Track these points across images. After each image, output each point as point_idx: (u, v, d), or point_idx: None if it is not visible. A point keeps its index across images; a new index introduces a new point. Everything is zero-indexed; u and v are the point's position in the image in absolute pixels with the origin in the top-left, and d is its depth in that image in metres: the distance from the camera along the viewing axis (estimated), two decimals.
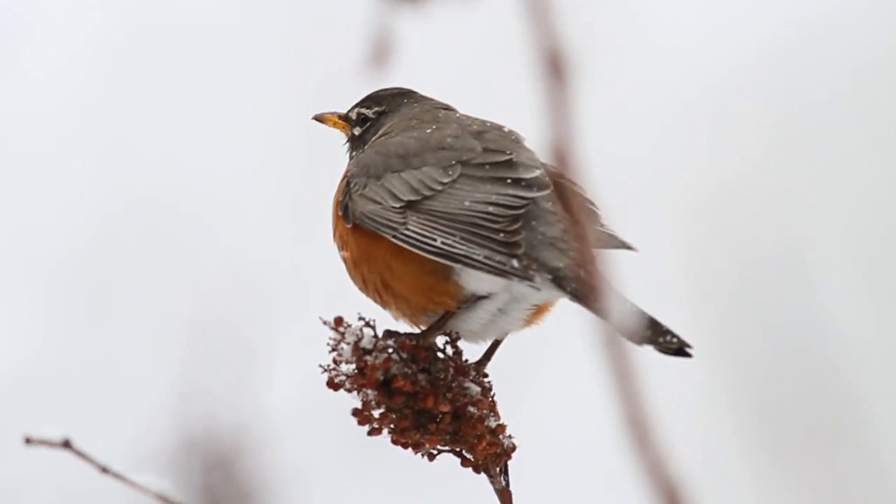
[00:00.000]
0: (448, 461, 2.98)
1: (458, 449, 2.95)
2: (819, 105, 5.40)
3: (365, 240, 3.01)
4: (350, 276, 3.08)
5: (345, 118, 3.39)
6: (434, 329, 2.97)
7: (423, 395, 2.89)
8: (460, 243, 2.87)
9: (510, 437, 2.97)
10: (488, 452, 2.94)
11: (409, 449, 2.94)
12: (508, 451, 2.97)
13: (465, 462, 2.97)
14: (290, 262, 4.94)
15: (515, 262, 2.84)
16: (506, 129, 3.12)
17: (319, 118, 3.40)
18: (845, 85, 5.43)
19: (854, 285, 4.90)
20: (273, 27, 5.50)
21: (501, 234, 2.87)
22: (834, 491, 4.24)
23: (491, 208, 2.90)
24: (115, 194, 5.37)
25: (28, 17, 5.51)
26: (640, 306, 2.78)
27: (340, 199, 3.10)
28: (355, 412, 2.90)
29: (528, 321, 3.04)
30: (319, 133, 3.44)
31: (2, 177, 5.45)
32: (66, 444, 2.45)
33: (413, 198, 2.97)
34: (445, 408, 2.90)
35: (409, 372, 2.90)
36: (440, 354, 2.97)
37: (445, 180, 2.97)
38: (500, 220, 2.89)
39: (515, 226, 2.88)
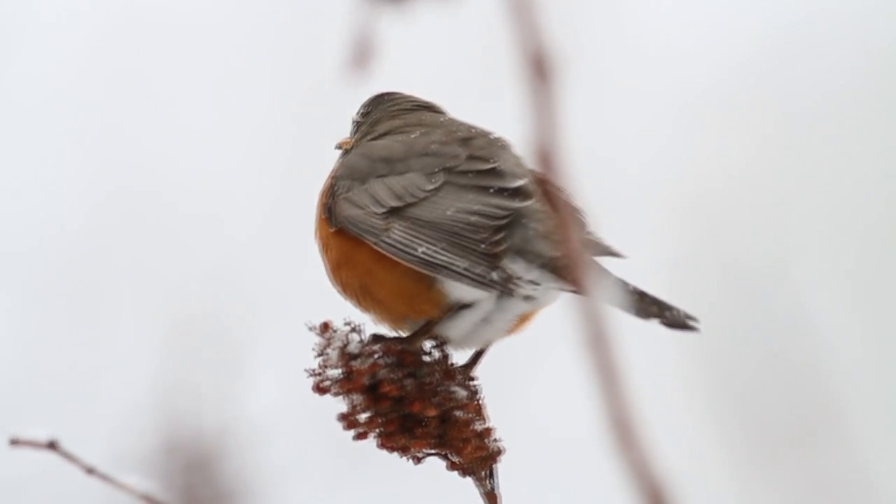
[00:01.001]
0: (434, 466, 2.97)
1: (444, 452, 2.95)
2: (810, 108, 5.41)
3: (347, 244, 3.00)
4: (329, 278, 3.07)
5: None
6: (420, 334, 2.96)
7: (409, 400, 2.89)
8: (442, 253, 2.86)
9: (497, 440, 2.96)
10: (475, 456, 2.93)
11: (396, 453, 2.94)
12: (495, 455, 2.96)
13: (451, 466, 2.96)
14: (276, 264, 4.94)
15: (495, 275, 2.83)
16: (493, 136, 3.10)
17: (340, 146, 3.36)
18: (837, 88, 5.44)
19: (840, 290, 4.91)
20: (261, 28, 5.50)
21: (483, 245, 2.85)
22: (815, 492, 4.25)
23: (473, 218, 2.89)
24: (100, 193, 5.36)
25: (19, 17, 5.50)
26: (639, 286, 2.79)
27: (325, 201, 3.09)
28: (342, 417, 2.90)
29: (511, 330, 3.03)
30: (307, 133, 3.44)
31: None
32: (52, 446, 2.44)
33: (396, 204, 2.96)
34: (432, 412, 2.89)
35: (396, 377, 2.90)
36: (427, 358, 2.96)
37: (429, 187, 2.96)
38: (483, 230, 2.87)
39: (498, 237, 2.87)
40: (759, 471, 4.37)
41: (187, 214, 5.33)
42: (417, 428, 2.90)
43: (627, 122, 5.30)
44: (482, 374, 3.03)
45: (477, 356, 3.05)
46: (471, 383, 2.99)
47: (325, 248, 3.07)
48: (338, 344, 2.89)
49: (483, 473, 2.98)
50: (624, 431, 1.52)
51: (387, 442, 2.91)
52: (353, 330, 2.92)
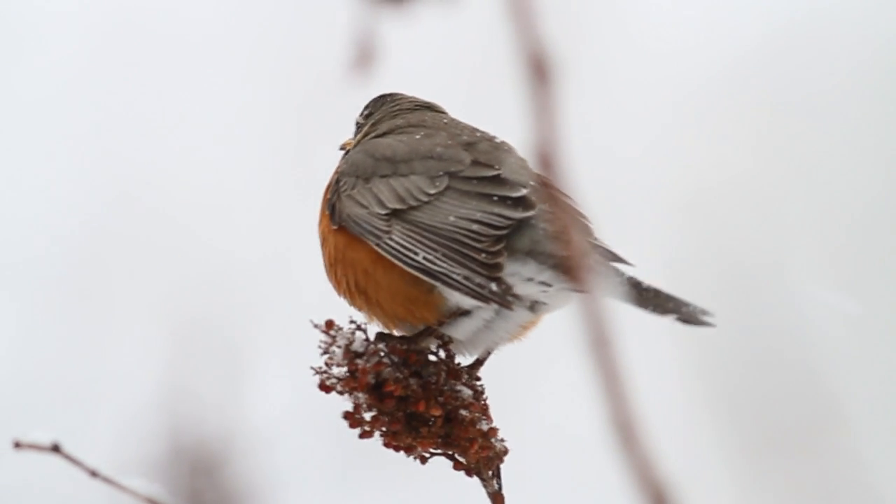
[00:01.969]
0: (439, 467, 2.97)
1: (450, 452, 2.94)
2: (810, 103, 5.40)
3: (345, 241, 2.99)
4: (325, 272, 3.06)
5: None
6: (424, 334, 2.95)
7: (414, 399, 2.88)
8: (441, 260, 2.84)
9: (502, 440, 2.96)
10: (481, 456, 2.93)
11: (401, 452, 2.93)
12: (501, 455, 2.96)
13: (457, 465, 2.95)
14: (280, 264, 4.93)
15: (494, 286, 2.81)
16: (496, 140, 3.09)
17: (344, 147, 3.35)
18: (837, 83, 5.43)
19: (838, 288, 4.90)
20: (263, 30, 5.50)
21: (483, 255, 2.83)
22: (815, 492, 4.24)
23: (475, 226, 2.87)
24: (102, 195, 5.36)
25: (20, 20, 5.51)
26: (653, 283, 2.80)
27: (329, 196, 3.08)
28: (346, 415, 2.89)
29: (516, 336, 3.02)
30: (308, 135, 3.44)
31: None
32: (56, 449, 2.45)
33: (399, 206, 2.94)
34: (437, 412, 2.89)
35: (401, 376, 2.89)
36: (432, 357, 2.96)
37: (432, 191, 2.94)
38: (483, 239, 2.85)
39: (498, 247, 2.85)
40: (760, 472, 4.37)
41: (190, 218, 5.33)
42: (423, 427, 2.89)
43: (626, 119, 5.29)
44: (487, 375, 3.02)
45: (482, 356, 3.04)
46: (476, 383, 2.98)
47: (324, 242, 3.06)
48: (342, 342, 2.89)
49: (489, 473, 2.97)
50: (627, 432, 1.52)
51: (392, 441, 2.90)
52: (358, 329, 2.92)
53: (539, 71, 1.60)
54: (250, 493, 3.84)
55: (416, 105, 3.31)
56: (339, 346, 2.89)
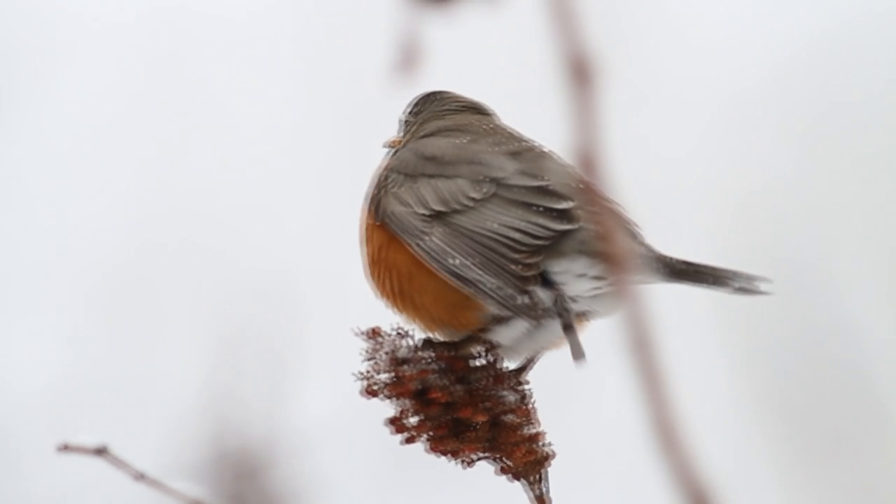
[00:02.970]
0: (481, 471, 2.96)
1: (495, 456, 2.93)
2: (861, 105, 5.35)
3: (386, 240, 2.97)
4: (365, 273, 3.03)
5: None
6: (469, 341, 2.93)
7: (459, 405, 2.88)
8: (478, 267, 2.82)
9: (547, 444, 2.95)
10: (525, 460, 2.92)
11: (446, 457, 2.93)
12: (546, 459, 2.94)
13: (503, 469, 2.94)
14: (328, 271, 4.94)
15: (521, 299, 2.78)
16: (541, 148, 3.05)
17: (388, 145, 3.33)
18: (890, 86, 5.38)
19: (884, 291, 4.86)
20: (307, 34, 5.51)
21: (519, 266, 2.81)
22: (861, 493, 4.21)
23: (517, 235, 2.84)
24: (152, 206, 5.40)
25: (70, 36, 5.55)
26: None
27: (375, 192, 3.06)
28: (392, 420, 2.89)
29: (559, 344, 2.98)
30: (355, 141, 3.44)
31: (40, 192, 5.49)
32: (101, 452, 2.46)
33: (442, 209, 2.92)
34: (482, 418, 2.87)
35: (446, 383, 2.89)
36: (477, 363, 2.95)
37: (477, 196, 2.91)
38: (522, 249, 2.82)
39: (535, 259, 2.82)
40: (804, 474, 4.34)
41: (238, 226, 5.36)
42: (468, 432, 2.88)
43: (673, 119, 5.26)
44: (533, 379, 3.01)
45: (528, 361, 3.02)
46: (521, 387, 2.96)
47: (365, 240, 3.04)
48: (387, 349, 2.89)
49: (533, 478, 2.96)
50: (669, 435, 1.51)
51: (437, 446, 2.90)
52: (402, 336, 2.91)
53: (581, 72, 1.59)
54: (294, 497, 3.84)
55: (463, 106, 3.29)
56: (384, 353, 2.89)
